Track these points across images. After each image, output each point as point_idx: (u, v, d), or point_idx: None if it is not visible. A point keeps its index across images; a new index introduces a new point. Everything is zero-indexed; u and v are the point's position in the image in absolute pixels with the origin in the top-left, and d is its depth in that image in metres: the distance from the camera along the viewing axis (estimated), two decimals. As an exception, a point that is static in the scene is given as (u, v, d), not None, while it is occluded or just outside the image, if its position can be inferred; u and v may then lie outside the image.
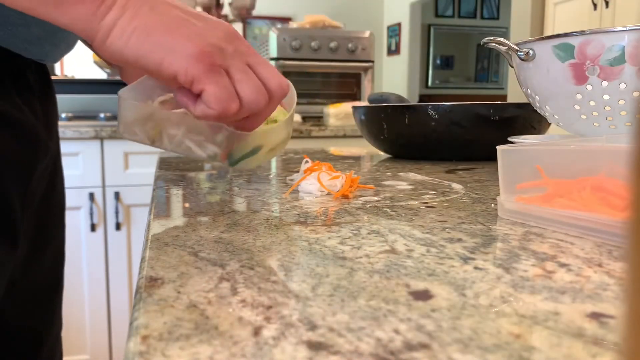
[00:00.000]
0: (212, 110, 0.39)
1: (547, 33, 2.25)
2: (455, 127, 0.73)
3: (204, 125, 0.47)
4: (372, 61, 2.27)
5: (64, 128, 1.63)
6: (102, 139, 1.67)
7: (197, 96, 0.40)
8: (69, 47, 0.55)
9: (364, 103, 2.11)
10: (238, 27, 3.62)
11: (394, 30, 4.53)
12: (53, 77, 0.60)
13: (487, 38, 0.58)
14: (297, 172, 0.58)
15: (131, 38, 0.37)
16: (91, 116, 2.05)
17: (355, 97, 2.35)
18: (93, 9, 0.36)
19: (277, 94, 0.41)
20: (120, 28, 0.37)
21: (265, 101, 0.40)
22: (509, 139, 0.63)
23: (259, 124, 0.44)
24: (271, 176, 0.60)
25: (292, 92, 0.51)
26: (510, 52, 0.57)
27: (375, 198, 0.45)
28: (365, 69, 2.29)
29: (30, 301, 0.58)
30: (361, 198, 0.45)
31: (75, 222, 1.65)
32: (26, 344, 0.58)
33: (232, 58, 0.39)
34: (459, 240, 0.31)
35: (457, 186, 0.52)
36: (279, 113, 0.51)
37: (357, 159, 0.82)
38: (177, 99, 0.41)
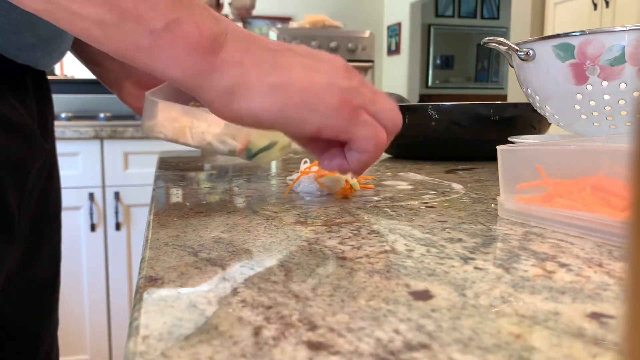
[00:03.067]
0: (367, 154, 0.36)
1: (547, 33, 2.25)
2: (455, 127, 0.73)
3: (225, 123, 0.51)
4: (372, 61, 2.27)
5: (64, 128, 1.63)
6: (102, 139, 1.67)
7: (341, 150, 0.37)
8: (61, 54, 0.55)
9: (364, 103, 2.11)
10: (238, 27, 3.62)
11: (394, 30, 4.53)
12: (53, 77, 0.60)
13: (487, 38, 0.58)
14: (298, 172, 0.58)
15: (266, 98, 0.32)
16: (91, 116, 2.05)
17: (355, 97, 2.35)
18: (206, 61, 0.31)
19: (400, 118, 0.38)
20: (246, 88, 0.32)
21: (400, 120, 0.38)
22: (509, 139, 0.63)
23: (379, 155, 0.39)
24: (271, 176, 0.60)
25: None
26: (510, 52, 0.57)
27: (375, 198, 0.45)
28: (365, 69, 2.29)
29: (27, 300, 0.58)
30: (361, 198, 0.45)
31: (75, 222, 1.65)
32: (24, 342, 0.58)
33: (360, 93, 0.35)
34: (459, 240, 0.31)
35: (457, 186, 0.52)
36: None
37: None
38: (323, 167, 0.39)
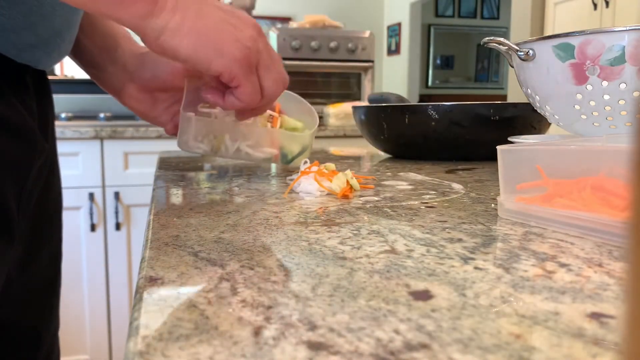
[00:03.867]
0: (240, 103, 0.47)
1: (547, 33, 2.25)
2: (455, 127, 0.73)
3: (261, 132, 0.57)
4: (372, 61, 2.27)
5: (64, 128, 1.63)
6: (102, 139, 1.67)
7: (223, 92, 0.48)
8: (61, 55, 0.55)
9: (364, 103, 2.11)
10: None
11: (394, 30, 4.53)
12: (53, 77, 0.60)
13: (487, 38, 0.58)
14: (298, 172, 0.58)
15: (184, 39, 0.42)
16: (91, 116, 2.05)
17: (355, 97, 2.35)
18: (149, 8, 0.41)
19: (283, 88, 0.50)
20: (172, 29, 0.42)
21: (280, 91, 0.49)
22: (509, 139, 0.63)
23: (262, 113, 0.54)
24: (271, 176, 0.60)
25: (315, 115, 0.64)
26: (510, 52, 0.57)
27: (375, 198, 0.45)
28: (365, 69, 2.29)
29: (28, 300, 0.58)
30: (361, 198, 0.45)
31: (75, 222, 1.65)
32: (24, 343, 0.58)
33: (260, 55, 0.46)
34: (459, 240, 0.31)
35: (457, 186, 0.52)
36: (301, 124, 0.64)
37: (357, 159, 0.82)
38: (205, 98, 0.49)
